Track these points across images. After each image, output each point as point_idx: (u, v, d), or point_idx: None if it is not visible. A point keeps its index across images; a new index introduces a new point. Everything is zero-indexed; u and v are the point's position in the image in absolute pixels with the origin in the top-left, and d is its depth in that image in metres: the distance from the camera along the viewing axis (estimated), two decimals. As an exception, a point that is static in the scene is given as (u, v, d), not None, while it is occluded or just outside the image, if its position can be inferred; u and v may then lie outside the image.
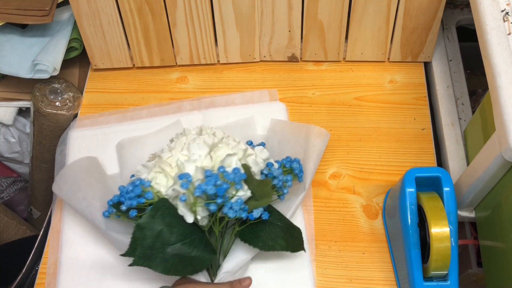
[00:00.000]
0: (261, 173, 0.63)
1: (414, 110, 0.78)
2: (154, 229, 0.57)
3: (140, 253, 0.56)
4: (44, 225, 0.73)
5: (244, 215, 0.58)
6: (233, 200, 0.58)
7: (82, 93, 0.83)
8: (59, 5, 0.79)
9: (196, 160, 0.59)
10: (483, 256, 0.62)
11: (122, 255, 0.57)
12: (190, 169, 0.58)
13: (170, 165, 0.61)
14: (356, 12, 0.77)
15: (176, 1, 0.76)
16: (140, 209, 0.60)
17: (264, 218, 0.60)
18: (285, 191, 0.64)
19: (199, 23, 0.78)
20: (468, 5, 0.84)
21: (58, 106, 0.80)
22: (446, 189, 0.59)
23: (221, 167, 0.58)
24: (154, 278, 0.63)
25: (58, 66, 0.77)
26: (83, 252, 0.67)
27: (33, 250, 0.74)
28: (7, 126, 0.89)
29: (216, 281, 0.60)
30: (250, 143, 0.71)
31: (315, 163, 0.68)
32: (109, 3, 0.76)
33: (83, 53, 0.83)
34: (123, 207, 0.59)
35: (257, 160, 0.62)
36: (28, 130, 0.91)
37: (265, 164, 0.64)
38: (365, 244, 0.68)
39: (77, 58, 0.84)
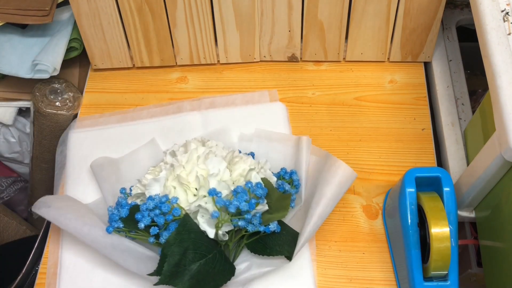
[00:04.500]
0: (277, 186, 0.64)
1: (414, 110, 0.78)
2: (181, 245, 0.56)
3: (167, 271, 0.55)
4: (44, 225, 0.73)
5: (262, 228, 0.59)
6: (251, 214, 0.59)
7: (82, 93, 0.83)
8: (59, 5, 0.79)
9: (217, 175, 0.59)
10: (483, 256, 0.62)
11: (150, 274, 0.56)
12: (213, 184, 0.58)
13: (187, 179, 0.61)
14: (356, 12, 0.77)
15: (176, 1, 0.76)
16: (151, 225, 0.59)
17: (277, 231, 0.60)
18: (292, 205, 0.64)
19: (199, 23, 0.78)
20: (468, 5, 0.84)
21: (58, 106, 0.80)
22: (446, 189, 0.59)
23: (249, 182, 0.59)
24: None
25: (58, 66, 0.77)
26: (84, 252, 0.67)
27: (33, 250, 0.74)
28: (7, 126, 0.89)
29: None
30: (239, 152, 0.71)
31: (306, 174, 0.68)
32: (109, 3, 0.76)
33: (83, 53, 0.83)
34: (141, 225, 0.58)
35: (269, 174, 0.64)
36: (28, 130, 0.91)
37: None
38: (365, 244, 0.68)
39: (77, 58, 0.84)
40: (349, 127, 0.77)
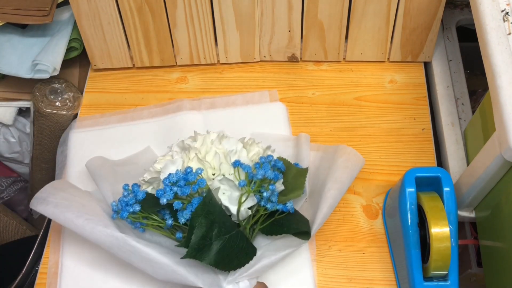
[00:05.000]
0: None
1: (414, 110, 0.78)
2: (208, 217, 0.55)
3: (194, 243, 0.53)
4: (44, 225, 0.73)
5: (280, 207, 0.59)
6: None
7: (82, 93, 0.83)
8: (59, 5, 0.79)
9: (236, 152, 0.60)
10: (483, 256, 0.62)
11: (178, 246, 0.56)
12: (234, 159, 0.59)
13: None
14: (356, 12, 0.77)
15: (176, 1, 0.76)
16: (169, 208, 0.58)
17: (292, 211, 0.60)
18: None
19: (199, 23, 0.78)
20: (468, 5, 0.84)
21: (58, 106, 0.80)
22: (446, 189, 0.59)
23: (270, 156, 0.60)
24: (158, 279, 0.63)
25: (58, 66, 0.77)
26: (86, 251, 0.67)
27: (33, 250, 0.74)
28: (7, 126, 0.89)
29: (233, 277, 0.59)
30: None
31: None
32: (109, 3, 0.76)
33: (83, 53, 0.83)
34: (164, 200, 0.56)
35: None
36: (28, 130, 0.91)
37: None
38: (365, 244, 0.68)
39: (77, 58, 0.84)
40: (349, 127, 0.77)
